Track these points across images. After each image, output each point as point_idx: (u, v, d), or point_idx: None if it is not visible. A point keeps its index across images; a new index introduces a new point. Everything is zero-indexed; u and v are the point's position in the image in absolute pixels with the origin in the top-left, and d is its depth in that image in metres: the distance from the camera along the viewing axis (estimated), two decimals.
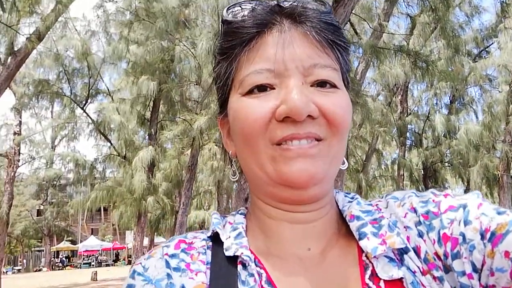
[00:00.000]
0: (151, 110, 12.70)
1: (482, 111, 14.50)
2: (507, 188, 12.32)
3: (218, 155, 12.26)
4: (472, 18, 14.18)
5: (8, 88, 11.35)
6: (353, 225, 0.56)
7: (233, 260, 0.55)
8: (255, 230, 0.60)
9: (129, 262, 31.34)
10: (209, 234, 0.60)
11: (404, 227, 0.54)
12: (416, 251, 0.52)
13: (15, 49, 9.55)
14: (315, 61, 0.53)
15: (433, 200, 0.54)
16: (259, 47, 0.54)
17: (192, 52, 9.80)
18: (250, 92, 0.54)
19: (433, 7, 8.90)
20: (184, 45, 9.89)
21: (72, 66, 13.46)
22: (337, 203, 0.62)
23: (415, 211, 0.54)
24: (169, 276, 0.54)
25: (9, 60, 9.48)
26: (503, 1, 10.51)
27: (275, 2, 0.57)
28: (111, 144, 13.64)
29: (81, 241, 40.27)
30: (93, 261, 36.35)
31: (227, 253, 0.55)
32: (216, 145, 10.95)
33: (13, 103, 15.75)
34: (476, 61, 13.99)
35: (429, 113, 16.84)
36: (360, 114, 13.00)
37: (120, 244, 39.11)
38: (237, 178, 0.64)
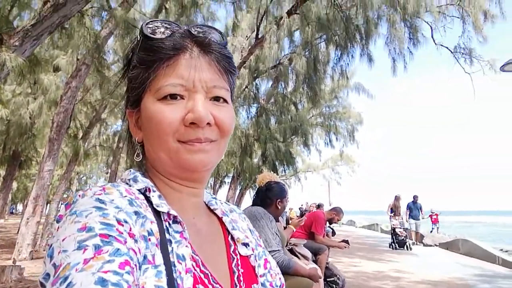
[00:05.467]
0: None
1: None
2: None
3: None
4: (208, 22, 16.24)
5: None
6: (226, 219, 0.80)
7: (160, 215, 0.65)
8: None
9: None
10: (139, 187, 0.68)
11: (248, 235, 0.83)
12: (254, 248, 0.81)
13: None
14: (215, 83, 0.69)
15: (246, 236, 0.82)
16: (175, 66, 0.67)
17: None
18: (164, 98, 0.67)
19: (182, 3, 9.78)
20: None
21: None
22: None
23: (251, 232, 0.85)
24: (137, 214, 0.60)
25: None
26: (234, 22, 12.85)
27: (186, 28, 0.71)
28: None
29: None
30: None
31: (160, 209, 0.65)
32: None
33: None
34: None
35: None
36: (91, 79, 12.56)
37: None
38: (141, 158, 0.74)
